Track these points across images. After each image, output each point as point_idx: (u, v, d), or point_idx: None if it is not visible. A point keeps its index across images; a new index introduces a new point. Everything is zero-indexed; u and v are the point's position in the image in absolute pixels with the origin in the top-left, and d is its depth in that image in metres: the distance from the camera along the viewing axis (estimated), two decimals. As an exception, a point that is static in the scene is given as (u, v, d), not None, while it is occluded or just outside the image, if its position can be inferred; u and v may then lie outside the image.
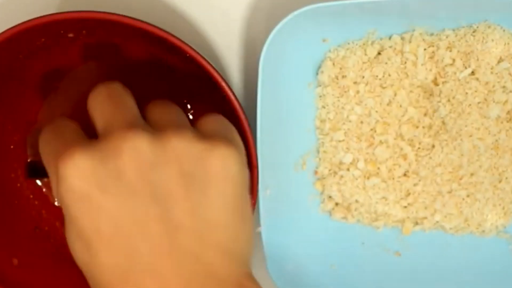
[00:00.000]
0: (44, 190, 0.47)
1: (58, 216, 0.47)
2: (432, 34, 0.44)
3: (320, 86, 0.46)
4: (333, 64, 0.45)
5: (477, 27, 0.44)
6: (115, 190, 0.32)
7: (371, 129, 0.45)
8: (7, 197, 0.45)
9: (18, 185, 0.46)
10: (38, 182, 0.47)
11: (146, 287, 0.32)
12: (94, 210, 0.32)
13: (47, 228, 0.46)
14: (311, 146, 0.46)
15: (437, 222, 0.46)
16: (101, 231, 0.32)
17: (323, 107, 0.46)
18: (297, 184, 0.46)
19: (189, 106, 0.46)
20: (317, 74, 0.46)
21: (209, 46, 0.46)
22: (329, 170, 0.46)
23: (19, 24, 0.38)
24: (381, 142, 0.45)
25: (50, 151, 0.35)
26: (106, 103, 0.35)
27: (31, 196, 0.46)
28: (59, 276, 0.45)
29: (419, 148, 0.45)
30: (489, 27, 0.44)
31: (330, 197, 0.46)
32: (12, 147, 0.46)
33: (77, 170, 0.32)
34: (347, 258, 0.46)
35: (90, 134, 0.35)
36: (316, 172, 0.46)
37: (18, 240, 0.45)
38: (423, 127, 0.45)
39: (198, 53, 0.39)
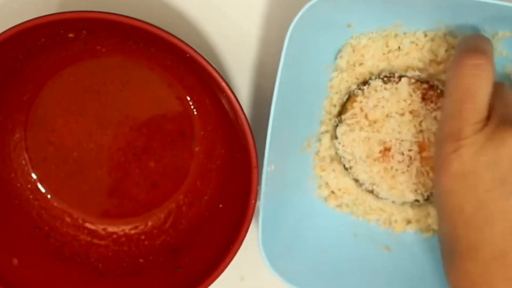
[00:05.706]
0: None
1: (57, 216, 0.47)
2: (456, 37, 0.44)
3: (336, 70, 0.45)
4: (353, 50, 0.44)
5: (500, 36, 0.43)
6: (490, 175, 0.36)
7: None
8: (7, 197, 0.45)
9: (18, 185, 0.46)
10: (39, 184, 0.47)
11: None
12: (466, 187, 0.37)
13: (47, 228, 0.46)
14: (317, 130, 0.46)
15: (430, 225, 0.46)
16: (464, 210, 0.37)
17: (336, 92, 0.45)
18: (299, 165, 0.45)
19: (188, 98, 0.46)
20: (335, 58, 0.45)
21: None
22: (330, 156, 0.46)
23: (19, 24, 0.38)
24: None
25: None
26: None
27: (31, 196, 0.46)
28: (59, 276, 0.45)
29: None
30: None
31: (327, 183, 0.46)
32: (12, 147, 0.46)
33: (468, 148, 0.37)
34: (338, 245, 0.45)
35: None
36: (317, 156, 0.46)
37: (18, 240, 0.45)
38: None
39: (196, 51, 0.39)
